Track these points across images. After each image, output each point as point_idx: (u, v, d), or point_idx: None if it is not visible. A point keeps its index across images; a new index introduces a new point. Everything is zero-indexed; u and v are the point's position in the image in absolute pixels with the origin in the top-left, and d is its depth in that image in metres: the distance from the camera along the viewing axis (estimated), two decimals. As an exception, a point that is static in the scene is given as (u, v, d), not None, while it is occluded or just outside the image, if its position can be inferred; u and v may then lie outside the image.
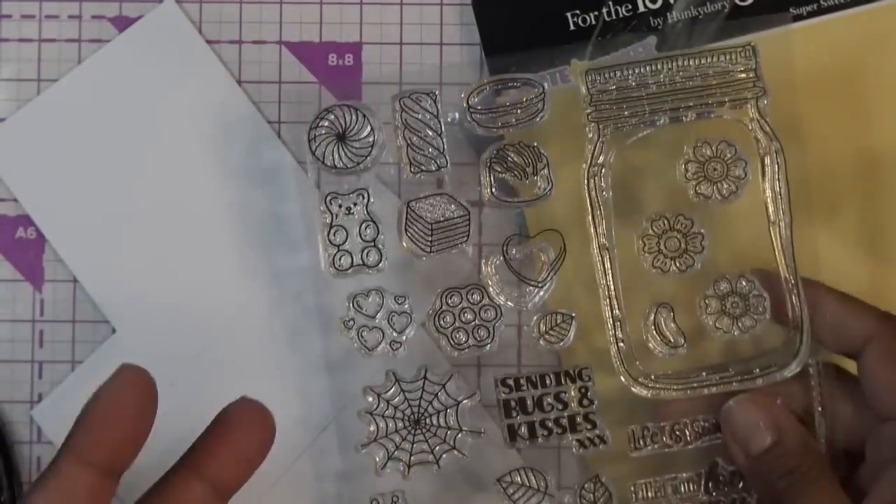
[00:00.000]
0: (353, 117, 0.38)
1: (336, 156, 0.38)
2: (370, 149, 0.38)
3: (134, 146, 0.44)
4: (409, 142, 0.38)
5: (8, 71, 0.45)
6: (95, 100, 0.44)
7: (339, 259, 0.38)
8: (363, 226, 0.39)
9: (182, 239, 0.44)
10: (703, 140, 0.38)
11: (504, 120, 0.39)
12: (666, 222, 0.39)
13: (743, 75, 0.38)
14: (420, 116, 0.38)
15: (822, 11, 0.43)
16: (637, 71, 0.38)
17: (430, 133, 0.38)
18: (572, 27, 0.43)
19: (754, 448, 0.36)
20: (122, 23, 0.45)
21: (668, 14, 0.43)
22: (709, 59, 0.38)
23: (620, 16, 0.43)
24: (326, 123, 0.38)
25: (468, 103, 0.39)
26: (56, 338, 0.44)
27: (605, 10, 0.43)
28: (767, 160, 0.38)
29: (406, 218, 0.39)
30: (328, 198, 0.39)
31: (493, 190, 0.39)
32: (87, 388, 0.44)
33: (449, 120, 0.44)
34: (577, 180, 0.39)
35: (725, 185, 0.38)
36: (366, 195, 0.39)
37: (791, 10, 0.43)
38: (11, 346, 0.44)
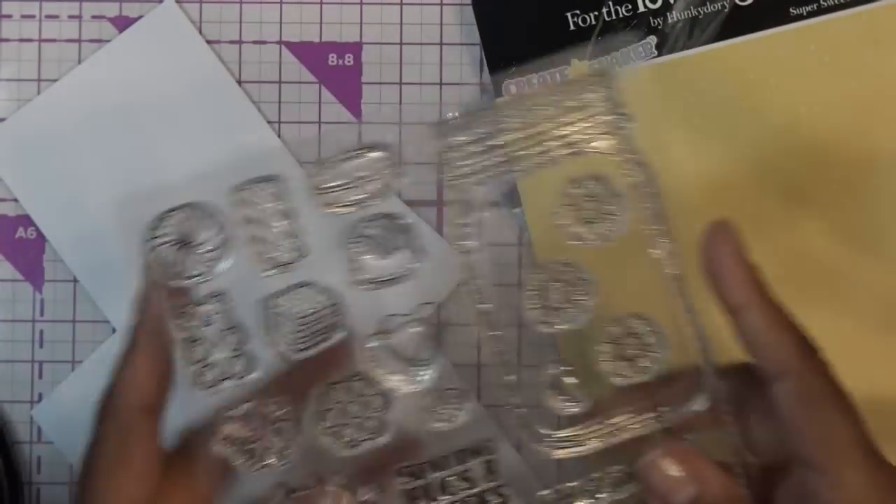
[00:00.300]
0: (194, 220, 0.34)
1: (181, 265, 0.34)
2: (219, 251, 0.34)
3: (133, 146, 0.44)
4: (257, 237, 0.34)
5: (8, 71, 0.45)
6: (95, 100, 0.44)
7: (203, 375, 0.34)
8: (225, 335, 0.34)
9: (182, 239, 0.44)
10: (571, 179, 0.36)
11: (359, 193, 0.35)
12: (546, 274, 0.36)
13: (602, 105, 0.35)
14: (261, 207, 0.34)
15: (822, 11, 0.43)
16: (488, 119, 0.35)
17: (279, 222, 0.34)
18: (572, 27, 0.43)
19: (675, 503, 0.34)
20: (122, 23, 0.45)
21: (668, 14, 0.43)
22: (563, 95, 0.35)
23: (620, 16, 0.43)
24: (165, 231, 0.34)
25: (315, 184, 0.35)
26: (56, 338, 0.44)
27: (605, 10, 0.43)
28: (640, 190, 0.35)
29: (268, 317, 0.35)
30: (180, 311, 0.34)
31: (359, 272, 0.35)
32: (87, 388, 0.44)
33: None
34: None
35: (603, 225, 0.36)
36: (224, 300, 0.34)
37: (791, 10, 0.43)
38: (11, 346, 0.44)
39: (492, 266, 0.37)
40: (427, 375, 0.36)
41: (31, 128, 0.44)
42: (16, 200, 0.44)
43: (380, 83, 0.45)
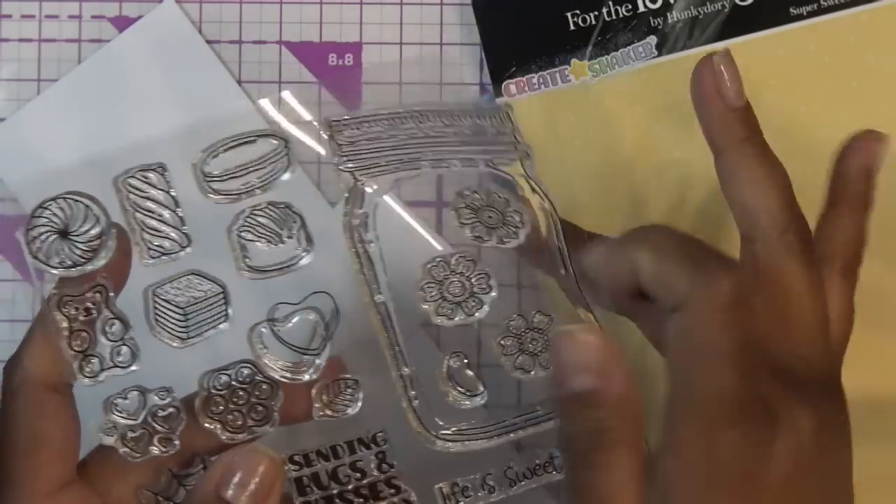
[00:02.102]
0: (74, 209, 0.34)
1: (62, 255, 0.33)
2: (98, 241, 0.33)
3: (133, 146, 0.44)
4: (141, 225, 0.34)
5: (8, 71, 0.45)
6: (95, 99, 0.44)
7: (87, 366, 0.33)
8: (108, 324, 0.34)
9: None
10: (472, 189, 0.35)
11: (244, 182, 0.34)
12: (445, 266, 0.36)
13: (501, 136, 0.35)
14: (150, 194, 0.34)
15: (822, 11, 0.43)
16: (385, 124, 0.35)
17: (165, 212, 0.34)
18: (572, 27, 0.43)
19: (571, 387, 0.31)
20: (122, 23, 0.45)
21: (668, 14, 0.43)
22: (461, 120, 0.35)
23: (620, 16, 0.43)
24: (44, 221, 0.33)
25: (202, 171, 0.34)
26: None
27: (605, 10, 0.43)
28: (540, 218, 0.35)
29: (153, 306, 0.34)
30: (62, 301, 0.34)
31: (247, 261, 0.35)
32: (86, 388, 0.43)
33: (449, 120, 0.44)
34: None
35: (503, 231, 0.35)
36: (104, 291, 0.34)
37: (791, 10, 0.43)
38: (11, 346, 0.44)
39: (386, 257, 0.36)
40: (316, 365, 0.35)
41: (31, 128, 0.44)
42: (16, 200, 0.44)
43: (380, 83, 0.45)
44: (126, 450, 0.34)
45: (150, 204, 0.34)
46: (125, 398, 0.34)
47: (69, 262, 0.33)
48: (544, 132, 0.43)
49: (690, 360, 0.31)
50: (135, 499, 0.35)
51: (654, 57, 0.43)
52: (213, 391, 0.35)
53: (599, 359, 0.31)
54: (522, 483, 0.37)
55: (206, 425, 0.35)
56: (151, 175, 0.34)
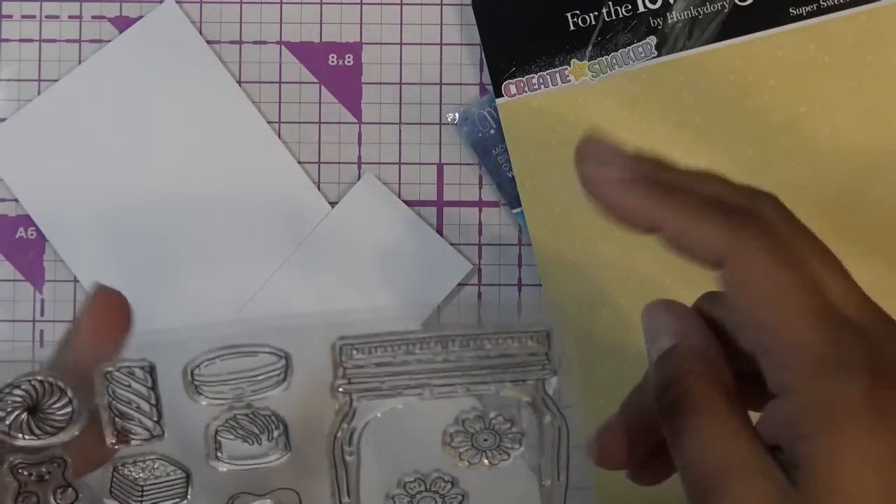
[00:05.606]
0: (45, 390, 0.35)
1: (27, 428, 0.34)
2: (66, 422, 0.34)
3: (134, 146, 0.44)
4: (117, 412, 0.35)
5: (8, 71, 0.45)
6: (95, 100, 0.44)
7: None
8: (60, 489, 0.35)
9: (182, 238, 0.44)
10: (475, 412, 0.35)
11: (236, 390, 0.35)
12: (421, 483, 0.35)
13: (532, 357, 0.34)
14: (131, 388, 0.35)
15: (822, 11, 0.43)
16: (401, 349, 0.34)
17: (145, 406, 0.35)
18: (572, 27, 0.43)
19: (659, 347, 0.32)
20: (122, 23, 0.45)
21: (668, 14, 0.43)
22: (492, 343, 0.34)
23: (620, 16, 0.43)
24: (14, 399, 0.34)
25: (192, 375, 0.35)
26: (56, 338, 0.44)
27: (605, 10, 0.43)
28: (548, 436, 0.34)
29: (112, 479, 0.35)
30: (16, 467, 0.34)
31: (219, 454, 0.35)
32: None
33: (449, 119, 0.44)
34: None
35: (496, 454, 0.34)
36: (63, 463, 0.35)
37: (791, 10, 0.43)
38: (11, 346, 0.44)
39: (364, 471, 0.36)
40: None
41: (31, 128, 0.44)
42: (16, 200, 0.44)
43: (380, 83, 0.45)
44: None
45: (130, 396, 0.35)
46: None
47: (32, 435, 0.34)
48: (544, 132, 0.43)
49: (765, 310, 0.28)
50: None
51: (653, 57, 0.43)
52: None
53: (679, 323, 0.32)
54: None
55: None
56: (139, 371, 0.35)
